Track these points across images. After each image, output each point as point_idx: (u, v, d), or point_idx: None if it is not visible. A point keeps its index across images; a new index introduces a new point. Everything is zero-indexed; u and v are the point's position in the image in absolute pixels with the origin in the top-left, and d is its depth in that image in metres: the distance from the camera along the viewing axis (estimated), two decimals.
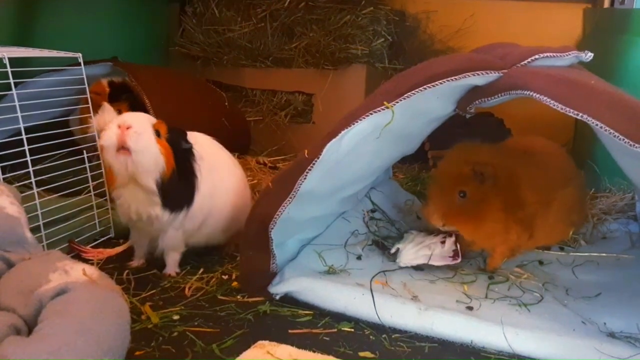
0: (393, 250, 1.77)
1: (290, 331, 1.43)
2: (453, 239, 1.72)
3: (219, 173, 1.79)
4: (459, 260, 1.70)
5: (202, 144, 1.75)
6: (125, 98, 2.44)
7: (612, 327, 1.39)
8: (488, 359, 1.34)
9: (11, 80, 1.67)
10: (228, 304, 1.56)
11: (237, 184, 1.88)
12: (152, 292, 1.62)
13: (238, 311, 1.52)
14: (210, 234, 1.81)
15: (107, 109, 2.30)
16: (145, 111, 2.28)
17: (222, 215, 1.80)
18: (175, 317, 1.48)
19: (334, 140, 1.44)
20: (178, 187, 1.62)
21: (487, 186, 1.64)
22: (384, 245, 1.84)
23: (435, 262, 1.69)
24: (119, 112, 2.40)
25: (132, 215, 1.64)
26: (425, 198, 2.21)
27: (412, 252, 1.72)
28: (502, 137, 2.33)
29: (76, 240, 1.85)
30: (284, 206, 1.50)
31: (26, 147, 1.67)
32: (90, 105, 2.00)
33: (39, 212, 1.70)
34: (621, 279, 1.68)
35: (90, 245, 1.90)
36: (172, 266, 1.75)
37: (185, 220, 1.69)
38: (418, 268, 1.72)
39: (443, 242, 1.73)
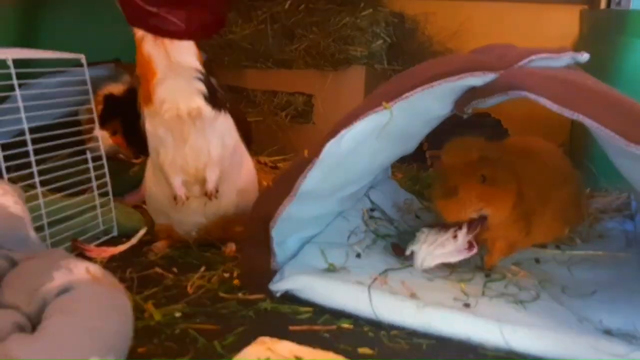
0: (408, 253, 1.74)
1: (290, 328, 1.45)
2: (464, 230, 1.67)
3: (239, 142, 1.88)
4: (475, 250, 1.65)
5: None
6: (116, 114, 2.44)
7: (608, 325, 1.40)
8: (485, 356, 1.36)
9: (15, 82, 1.69)
10: (229, 302, 1.58)
11: (251, 164, 1.97)
12: (154, 290, 1.63)
13: (239, 308, 1.54)
14: (226, 200, 1.82)
15: (102, 138, 2.30)
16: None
17: (245, 177, 1.87)
18: (178, 315, 1.50)
19: (333, 140, 1.46)
20: (214, 92, 1.67)
21: (499, 169, 1.64)
22: (401, 249, 1.79)
23: (452, 259, 1.66)
24: (114, 132, 2.43)
25: (179, 110, 1.62)
26: (427, 197, 2.23)
27: (427, 253, 1.69)
28: (499, 137, 2.34)
29: (80, 239, 1.87)
30: (284, 205, 1.52)
31: (30, 147, 1.69)
32: (93, 105, 2.02)
33: (43, 211, 1.72)
34: (617, 277, 1.69)
35: (94, 244, 1.91)
36: (213, 181, 1.75)
37: (223, 122, 1.72)
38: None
39: (455, 237, 1.68)
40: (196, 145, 1.71)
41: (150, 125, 1.69)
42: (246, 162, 1.93)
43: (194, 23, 1.55)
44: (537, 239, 1.86)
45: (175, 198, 1.77)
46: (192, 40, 1.60)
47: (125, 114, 2.42)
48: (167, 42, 1.57)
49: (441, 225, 1.75)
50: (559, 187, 1.83)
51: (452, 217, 1.68)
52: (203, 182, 1.77)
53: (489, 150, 1.66)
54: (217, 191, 1.77)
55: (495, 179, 1.64)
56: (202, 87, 1.63)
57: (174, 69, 1.60)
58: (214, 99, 1.67)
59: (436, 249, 1.70)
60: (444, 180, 1.72)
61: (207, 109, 1.65)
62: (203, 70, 1.63)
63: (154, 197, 1.90)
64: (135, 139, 2.39)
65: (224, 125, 1.74)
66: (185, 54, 1.59)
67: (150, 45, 1.58)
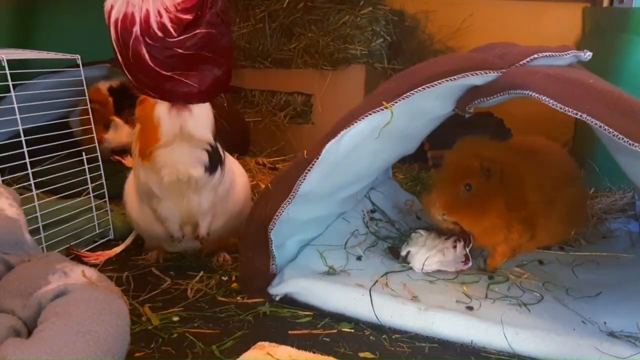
0: (404, 253, 1.75)
1: (290, 332, 1.43)
2: (462, 243, 1.72)
3: (230, 160, 1.82)
4: (470, 264, 1.70)
5: None
6: (127, 104, 2.45)
7: (612, 327, 1.39)
8: (488, 358, 1.34)
9: (10, 82, 1.67)
10: (228, 305, 1.56)
11: (245, 180, 1.94)
12: (151, 293, 1.62)
13: (238, 312, 1.52)
14: (218, 224, 1.79)
15: (121, 125, 2.37)
16: None
17: (238, 199, 1.83)
18: (175, 319, 1.48)
19: (333, 140, 1.44)
20: (216, 157, 1.62)
21: (492, 182, 1.65)
22: (397, 251, 1.80)
23: (449, 268, 1.69)
24: (126, 121, 2.45)
25: (179, 175, 1.57)
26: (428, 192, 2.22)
27: (425, 256, 1.71)
28: (502, 136, 2.32)
29: (75, 242, 1.85)
30: (283, 207, 1.50)
31: (25, 149, 1.67)
32: (89, 106, 2.01)
33: (38, 214, 1.70)
34: (621, 279, 1.68)
35: (90, 247, 1.89)
36: (205, 227, 1.73)
37: (218, 181, 1.67)
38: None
39: (454, 247, 1.72)
40: (191, 201, 1.68)
41: (144, 177, 1.63)
42: (237, 182, 1.85)
43: (207, 82, 1.48)
44: (542, 241, 1.85)
45: (172, 238, 1.73)
46: (206, 100, 1.53)
47: (133, 105, 2.43)
48: (186, 114, 1.50)
49: (438, 231, 1.77)
50: (565, 189, 1.82)
51: (428, 214, 1.75)
52: (195, 224, 1.74)
53: (493, 162, 1.65)
54: (208, 234, 1.74)
55: (480, 192, 1.65)
56: (205, 157, 1.58)
57: (183, 138, 1.53)
58: (214, 165, 1.62)
59: (435, 255, 1.71)
60: (440, 175, 1.75)
61: (205, 177, 1.60)
62: (213, 142, 1.57)
63: (144, 230, 1.84)
64: None
65: (219, 178, 1.67)
66: (202, 126, 1.54)
67: (163, 113, 1.51)
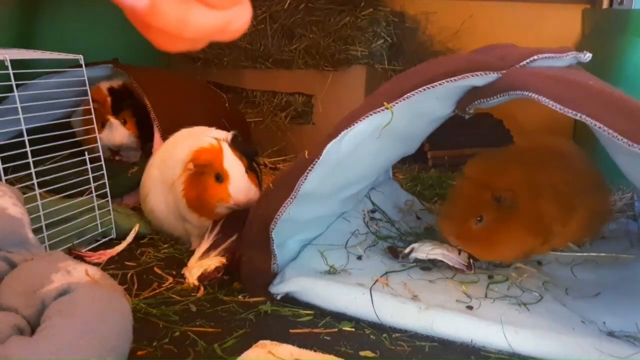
0: (407, 251, 1.76)
1: (291, 331, 1.44)
2: (467, 254, 1.75)
3: None
4: (472, 272, 1.71)
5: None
6: (127, 105, 2.46)
7: (611, 326, 1.40)
8: (488, 358, 1.35)
9: (13, 82, 1.68)
10: (229, 304, 1.57)
11: None
12: (154, 292, 1.63)
13: (239, 311, 1.53)
14: None
15: (116, 126, 2.40)
16: (147, 114, 2.30)
17: None
18: (177, 317, 1.49)
19: (334, 140, 1.45)
20: None
21: (504, 211, 1.66)
22: (396, 251, 1.81)
23: (450, 262, 1.71)
24: (124, 122, 2.46)
25: None
26: (428, 198, 2.24)
27: (430, 248, 1.73)
28: (501, 137, 2.33)
29: (78, 241, 1.86)
30: (284, 207, 1.51)
31: (28, 149, 1.67)
32: (91, 106, 2.01)
33: (41, 213, 1.71)
34: (620, 279, 1.68)
35: (92, 246, 1.90)
36: None
37: None
38: (425, 267, 1.73)
39: (459, 253, 1.75)
40: None
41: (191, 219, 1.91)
42: None
43: None
44: (557, 245, 1.86)
45: None
46: None
47: (132, 106, 2.46)
48: None
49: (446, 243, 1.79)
50: (585, 195, 1.80)
51: (443, 238, 1.76)
52: None
53: (504, 191, 1.64)
54: None
55: (492, 223, 1.66)
56: None
57: None
58: None
59: (437, 248, 1.73)
60: (452, 199, 1.77)
61: None
62: None
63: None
64: (143, 129, 2.47)
65: None
66: None
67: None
